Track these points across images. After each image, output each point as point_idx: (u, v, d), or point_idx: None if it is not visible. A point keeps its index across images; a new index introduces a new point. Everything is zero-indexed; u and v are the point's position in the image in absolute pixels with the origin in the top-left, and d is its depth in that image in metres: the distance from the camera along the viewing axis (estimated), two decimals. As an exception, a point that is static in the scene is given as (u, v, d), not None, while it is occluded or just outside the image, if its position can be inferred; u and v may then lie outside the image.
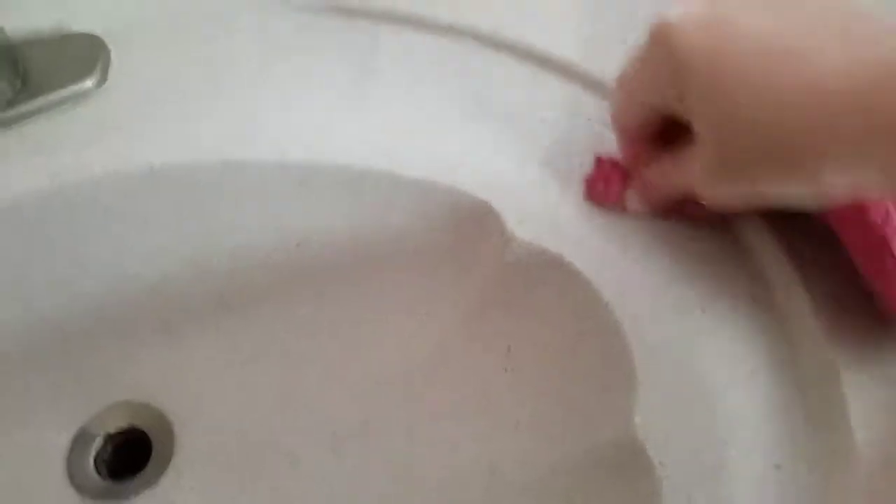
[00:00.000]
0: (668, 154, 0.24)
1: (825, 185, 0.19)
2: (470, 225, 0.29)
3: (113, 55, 0.30)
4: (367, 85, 0.31)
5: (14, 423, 0.32)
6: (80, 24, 0.31)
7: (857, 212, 0.22)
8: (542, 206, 0.27)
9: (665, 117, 0.23)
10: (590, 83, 0.30)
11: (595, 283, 0.25)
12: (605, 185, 0.26)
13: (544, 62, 0.30)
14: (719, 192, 0.22)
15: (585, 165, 0.27)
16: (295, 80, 0.30)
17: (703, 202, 0.23)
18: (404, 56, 0.31)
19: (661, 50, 0.22)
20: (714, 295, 0.25)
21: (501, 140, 0.29)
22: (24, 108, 0.28)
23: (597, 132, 0.28)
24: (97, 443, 0.32)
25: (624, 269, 0.25)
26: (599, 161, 0.27)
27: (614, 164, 0.27)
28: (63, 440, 0.32)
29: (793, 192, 0.20)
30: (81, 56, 0.30)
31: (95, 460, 0.32)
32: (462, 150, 0.29)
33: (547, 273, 0.27)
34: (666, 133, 0.24)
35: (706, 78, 0.20)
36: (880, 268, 0.22)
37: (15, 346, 0.31)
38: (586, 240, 0.26)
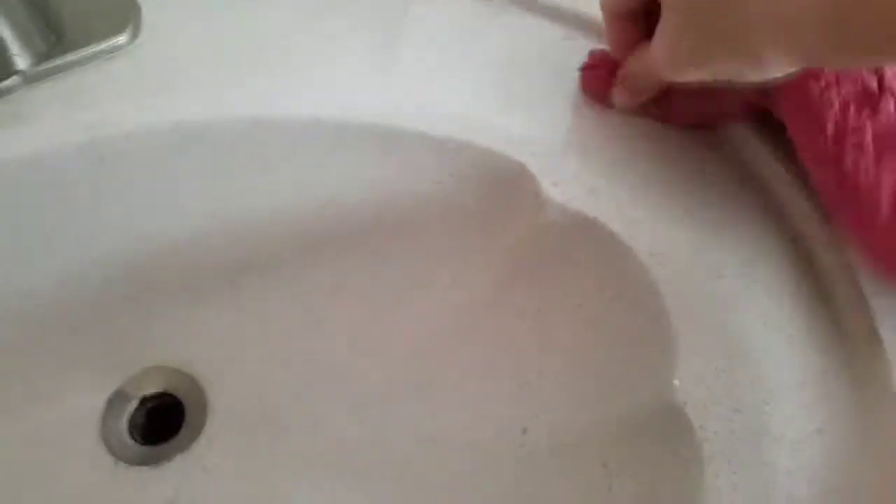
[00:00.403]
0: (647, 41, 0.24)
1: (767, 66, 0.20)
2: (503, 187, 0.28)
3: (143, 12, 0.30)
4: (400, 46, 0.30)
5: (47, 389, 0.32)
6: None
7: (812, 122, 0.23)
8: (577, 170, 0.26)
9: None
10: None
11: (631, 245, 0.25)
12: (594, 73, 0.28)
13: (581, 22, 0.30)
14: (680, 70, 0.23)
15: (619, 127, 0.27)
16: (327, 41, 0.30)
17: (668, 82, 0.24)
18: (438, 17, 0.31)
19: None
20: (753, 257, 0.24)
21: (536, 103, 0.28)
22: (57, 61, 0.28)
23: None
24: (130, 407, 0.33)
25: (660, 231, 0.25)
26: (592, 53, 0.28)
27: (605, 55, 0.28)
28: (97, 404, 0.32)
29: (740, 71, 0.21)
30: (113, 12, 0.29)
31: (129, 425, 0.32)
32: (496, 112, 0.28)
33: (581, 235, 0.26)
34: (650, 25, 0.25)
35: None
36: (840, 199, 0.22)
37: (46, 309, 0.31)
38: (621, 203, 0.26)
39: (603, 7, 0.27)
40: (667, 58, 0.23)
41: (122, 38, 0.29)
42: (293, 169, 0.30)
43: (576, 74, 0.28)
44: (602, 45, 0.28)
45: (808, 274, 0.24)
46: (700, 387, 0.22)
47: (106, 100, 0.27)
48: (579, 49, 0.30)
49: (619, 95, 0.27)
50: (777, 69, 0.20)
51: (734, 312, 0.23)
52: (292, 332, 0.33)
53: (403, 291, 0.32)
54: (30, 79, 0.27)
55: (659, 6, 0.23)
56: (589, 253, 0.26)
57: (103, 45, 0.28)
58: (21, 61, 0.27)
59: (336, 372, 0.32)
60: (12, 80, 0.27)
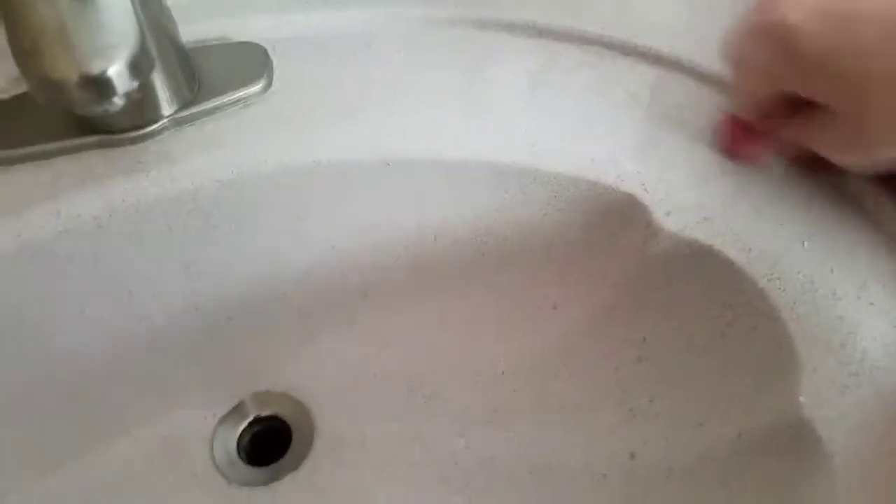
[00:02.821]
0: (801, 119, 0.25)
1: None
2: (611, 217, 0.30)
3: (275, 64, 0.32)
4: (505, 91, 0.33)
5: (164, 407, 0.34)
6: (241, 36, 0.33)
7: None
8: (691, 200, 0.28)
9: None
10: (726, 85, 0.31)
11: (749, 272, 0.26)
12: (741, 141, 0.29)
13: (672, 64, 0.32)
14: (854, 161, 0.24)
15: (725, 161, 0.29)
16: (435, 88, 0.32)
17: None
18: (530, 63, 0.33)
19: (780, 43, 0.23)
20: (865, 282, 0.25)
21: (640, 139, 0.30)
22: (201, 107, 0.30)
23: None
24: (240, 430, 0.34)
25: (776, 258, 0.26)
26: (728, 117, 0.29)
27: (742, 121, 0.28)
28: (209, 426, 0.34)
29: None
30: (247, 63, 0.32)
31: (238, 447, 0.34)
32: (604, 148, 0.30)
33: (695, 264, 0.28)
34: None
35: (832, 67, 0.22)
36: None
37: (172, 333, 0.33)
38: (736, 232, 0.27)
39: (739, 103, 0.28)
40: (838, 150, 0.24)
41: (257, 87, 0.31)
42: (411, 204, 0.32)
43: (678, 114, 0.30)
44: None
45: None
46: (826, 403, 0.23)
47: (246, 142, 0.30)
48: (677, 89, 0.32)
49: (767, 157, 0.28)
50: None
51: (853, 333, 0.24)
52: (400, 357, 0.35)
53: (508, 319, 0.34)
54: (177, 123, 0.30)
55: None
56: (702, 281, 0.28)
57: (241, 94, 0.31)
58: (169, 107, 0.30)
59: (442, 395, 0.34)
60: (162, 124, 0.30)
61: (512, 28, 0.34)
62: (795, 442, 0.23)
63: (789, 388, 0.24)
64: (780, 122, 0.26)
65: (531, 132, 0.31)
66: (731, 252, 0.26)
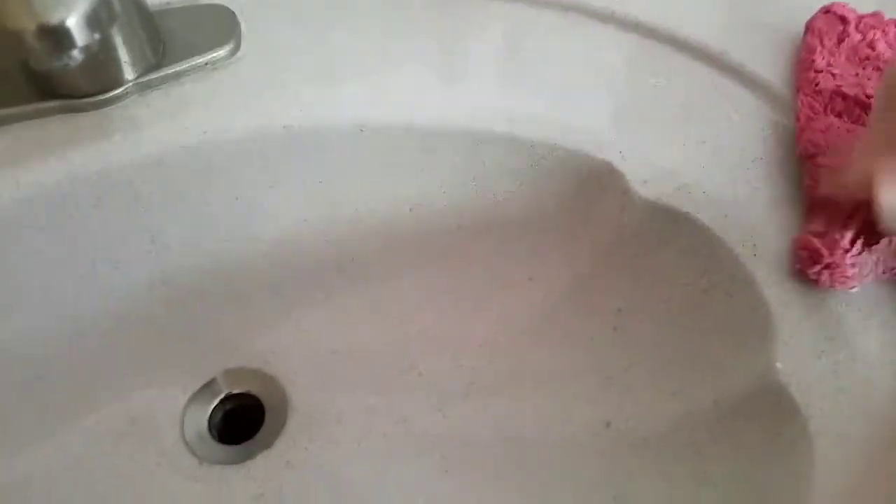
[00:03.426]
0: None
1: None
2: (588, 186, 0.30)
3: (243, 27, 0.31)
4: (480, 56, 0.32)
5: (132, 384, 0.33)
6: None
7: None
8: (667, 168, 0.28)
9: None
10: (701, 53, 0.31)
11: (725, 238, 0.26)
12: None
13: (650, 32, 0.32)
14: None
15: (708, 128, 0.28)
16: (410, 54, 0.32)
17: None
18: (512, 28, 0.33)
19: None
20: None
21: (617, 107, 0.30)
22: (167, 71, 0.29)
23: (716, 99, 0.29)
24: (212, 408, 0.33)
25: (753, 224, 0.26)
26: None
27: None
28: (179, 404, 0.33)
29: None
30: (215, 26, 0.31)
31: (210, 425, 0.33)
32: (581, 115, 0.30)
33: (671, 231, 0.28)
34: None
35: None
36: None
37: (139, 308, 0.32)
38: (712, 199, 0.27)
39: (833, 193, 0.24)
40: None
41: (224, 51, 0.30)
42: (382, 173, 0.31)
43: (655, 82, 0.30)
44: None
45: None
46: (802, 368, 0.23)
47: (214, 107, 0.29)
48: (655, 57, 0.31)
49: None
50: None
51: (829, 297, 0.24)
52: (375, 331, 0.34)
53: (484, 290, 0.33)
54: (141, 87, 0.29)
55: None
56: (678, 249, 0.28)
57: (208, 57, 0.30)
58: (133, 71, 0.29)
59: (419, 369, 0.33)
60: (125, 88, 0.29)
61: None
62: (772, 408, 0.23)
63: (766, 353, 0.24)
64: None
65: (507, 99, 0.30)
66: (707, 219, 0.26)
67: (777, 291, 0.24)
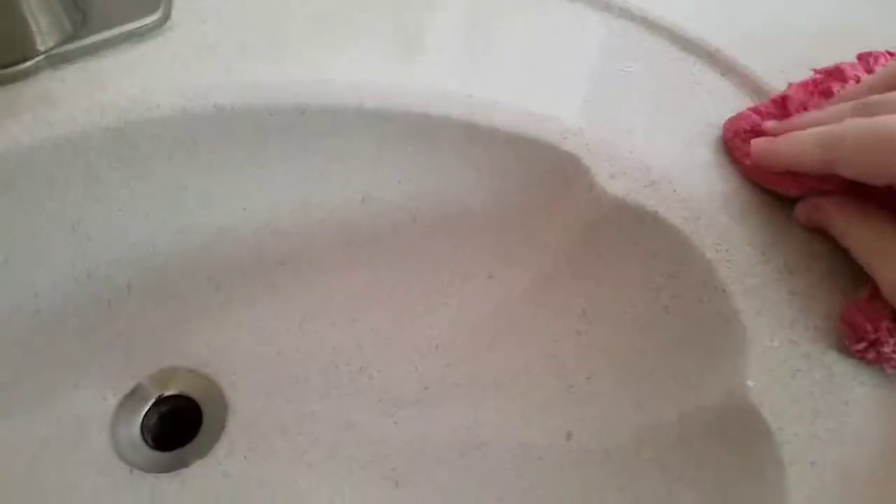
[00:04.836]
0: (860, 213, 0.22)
1: None
2: (552, 179, 0.27)
3: (175, -7, 0.28)
4: (441, 34, 0.29)
5: (57, 387, 0.30)
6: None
7: None
8: (636, 163, 0.26)
9: None
10: (676, 37, 0.29)
11: (695, 241, 0.24)
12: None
13: (622, 11, 0.29)
14: None
15: (681, 119, 0.26)
16: (363, 27, 0.29)
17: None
18: (478, 6, 0.30)
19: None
20: (819, 252, 0.23)
21: (585, 94, 0.28)
22: (85, 42, 0.26)
23: (690, 86, 0.27)
24: (145, 411, 0.31)
25: (725, 227, 0.24)
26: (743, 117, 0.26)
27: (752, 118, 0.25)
28: (109, 407, 0.30)
29: None
30: (143, -8, 0.28)
31: (143, 429, 0.31)
32: (545, 103, 0.27)
33: (638, 231, 0.25)
34: None
35: None
36: None
37: (61, 304, 0.29)
38: (683, 197, 0.25)
39: (788, 158, 0.23)
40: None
41: (152, 19, 0.27)
42: (331, 160, 0.28)
43: (626, 68, 0.28)
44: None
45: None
46: (775, 387, 0.21)
47: (137, 83, 0.26)
48: (626, 40, 0.29)
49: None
50: None
51: (806, 310, 0.22)
52: (323, 331, 0.32)
53: (441, 288, 0.31)
54: (56, 60, 0.26)
55: None
56: (646, 250, 0.25)
57: (133, 26, 0.27)
58: (46, 41, 0.26)
59: (369, 372, 0.31)
60: (37, 62, 0.26)
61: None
62: (742, 429, 0.21)
63: (736, 368, 0.22)
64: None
65: (467, 81, 0.28)
66: (678, 220, 0.24)
67: (751, 301, 0.22)
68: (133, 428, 0.31)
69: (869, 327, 0.21)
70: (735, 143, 0.25)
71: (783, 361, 0.21)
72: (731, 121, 0.26)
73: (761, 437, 0.21)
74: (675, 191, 0.25)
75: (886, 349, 0.21)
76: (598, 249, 0.27)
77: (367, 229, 0.31)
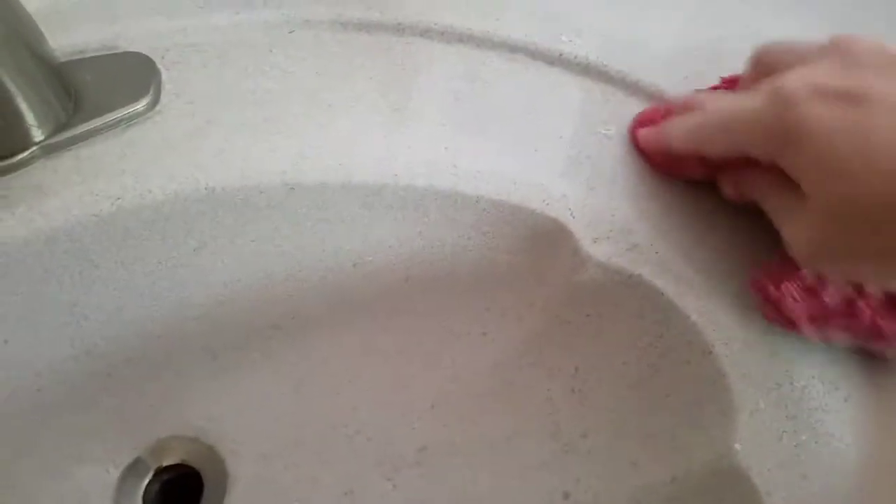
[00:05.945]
0: (760, 177, 0.23)
1: None
2: (538, 243, 0.28)
3: (164, 76, 0.29)
4: (423, 108, 0.30)
5: (59, 462, 0.30)
6: (128, 44, 0.30)
7: None
8: (619, 227, 0.26)
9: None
10: (654, 98, 0.29)
11: (679, 303, 0.24)
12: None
13: (601, 76, 0.30)
14: (820, 265, 0.21)
15: (661, 182, 0.27)
16: (347, 105, 0.30)
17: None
18: (456, 79, 0.31)
19: (783, 118, 0.20)
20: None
21: (567, 158, 0.28)
22: (77, 130, 0.27)
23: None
24: (146, 482, 0.31)
25: (709, 289, 0.24)
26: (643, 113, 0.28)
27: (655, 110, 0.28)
28: (111, 479, 0.30)
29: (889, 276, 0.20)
30: (132, 76, 0.29)
31: (145, 501, 0.31)
32: (531, 170, 0.28)
33: (624, 293, 0.26)
34: None
35: (829, 159, 0.19)
36: None
37: (61, 381, 0.30)
38: (666, 260, 0.25)
39: (691, 140, 0.25)
40: (806, 249, 0.21)
41: (142, 105, 0.28)
42: (321, 230, 0.29)
43: (606, 131, 0.28)
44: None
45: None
46: (763, 450, 0.21)
47: (129, 169, 0.26)
48: (605, 103, 0.30)
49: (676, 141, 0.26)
50: None
51: (789, 371, 0.23)
52: (320, 395, 0.32)
53: (435, 346, 0.31)
54: (49, 150, 0.27)
55: None
56: (632, 311, 0.26)
57: (124, 112, 0.27)
58: (39, 132, 0.26)
59: (367, 435, 0.31)
60: (31, 153, 0.26)
61: (429, 34, 0.32)
62: (733, 492, 0.22)
63: (725, 430, 0.22)
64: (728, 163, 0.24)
65: (452, 151, 0.28)
66: (660, 282, 0.25)
67: (736, 363, 0.23)
68: (135, 500, 0.31)
69: (771, 288, 0.21)
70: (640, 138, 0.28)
71: (769, 423, 0.22)
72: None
73: (750, 501, 0.21)
74: (657, 252, 0.25)
75: (786, 306, 0.21)
76: (586, 309, 0.28)
77: (360, 292, 0.31)
